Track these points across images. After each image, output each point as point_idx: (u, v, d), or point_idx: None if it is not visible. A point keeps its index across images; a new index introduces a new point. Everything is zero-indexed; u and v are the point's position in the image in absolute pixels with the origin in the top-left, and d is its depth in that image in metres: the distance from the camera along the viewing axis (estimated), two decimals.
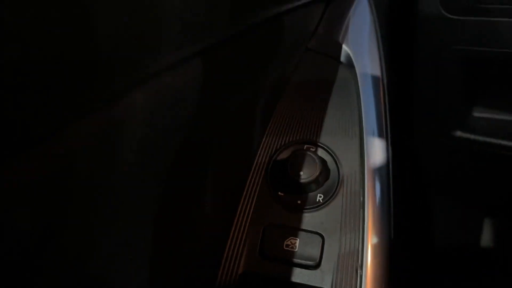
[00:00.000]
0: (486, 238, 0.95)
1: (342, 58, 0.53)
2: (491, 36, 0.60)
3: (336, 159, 0.45)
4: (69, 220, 0.20)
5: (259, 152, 0.46)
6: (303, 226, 0.42)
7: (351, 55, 0.51)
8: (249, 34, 0.36)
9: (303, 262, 0.41)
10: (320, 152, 0.46)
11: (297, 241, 0.41)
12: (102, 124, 0.20)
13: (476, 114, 0.76)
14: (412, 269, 0.91)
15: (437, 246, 0.99)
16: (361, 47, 0.52)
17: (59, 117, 0.18)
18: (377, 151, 0.45)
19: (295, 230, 0.42)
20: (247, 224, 0.43)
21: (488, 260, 0.94)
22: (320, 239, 0.41)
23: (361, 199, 0.43)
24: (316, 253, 0.41)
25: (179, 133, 0.27)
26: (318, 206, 0.43)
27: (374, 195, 0.43)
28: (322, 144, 0.46)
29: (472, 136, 0.76)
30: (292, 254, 0.41)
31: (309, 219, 0.43)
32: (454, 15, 0.60)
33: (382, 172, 0.44)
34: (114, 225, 0.24)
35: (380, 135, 0.46)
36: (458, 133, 0.77)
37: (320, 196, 0.43)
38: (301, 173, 0.43)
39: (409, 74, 0.72)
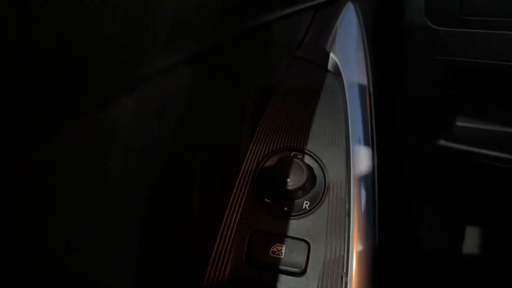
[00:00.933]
0: (468, 243, 0.97)
1: (330, 67, 0.53)
2: (475, 48, 0.61)
3: (322, 166, 0.46)
4: (54, 221, 0.20)
5: (246, 159, 0.46)
6: (289, 233, 0.42)
7: (338, 63, 0.52)
8: (238, 42, 0.36)
9: (288, 269, 0.41)
10: (307, 159, 0.46)
11: (283, 248, 0.41)
12: (92, 129, 0.20)
13: (460, 123, 0.77)
14: (396, 274, 0.93)
15: (420, 250, 1.00)
16: (348, 56, 0.53)
17: (49, 121, 0.18)
18: (363, 159, 0.46)
19: (281, 237, 0.42)
20: (234, 230, 0.42)
21: (469, 264, 0.97)
22: (306, 246, 0.41)
23: (347, 206, 0.43)
24: (301, 260, 0.41)
25: (167, 139, 0.27)
26: (305, 213, 0.43)
27: (360, 202, 0.43)
28: (309, 151, 0.47)
29: (455, 145, 0.77)
30: (278, 261, 0.41)
31: (295, 226, 0.43)
32: (439, 26, 0.61)
33: (367, 179, 0.45)
34: (101, 226, 0.24)
35: (366, 143, 0.47)
36: (442, 142, 0.78)
37: (307, 203, 0.44)
38: (288, 179, 0.43)
39: (394, 83, 0.73)
